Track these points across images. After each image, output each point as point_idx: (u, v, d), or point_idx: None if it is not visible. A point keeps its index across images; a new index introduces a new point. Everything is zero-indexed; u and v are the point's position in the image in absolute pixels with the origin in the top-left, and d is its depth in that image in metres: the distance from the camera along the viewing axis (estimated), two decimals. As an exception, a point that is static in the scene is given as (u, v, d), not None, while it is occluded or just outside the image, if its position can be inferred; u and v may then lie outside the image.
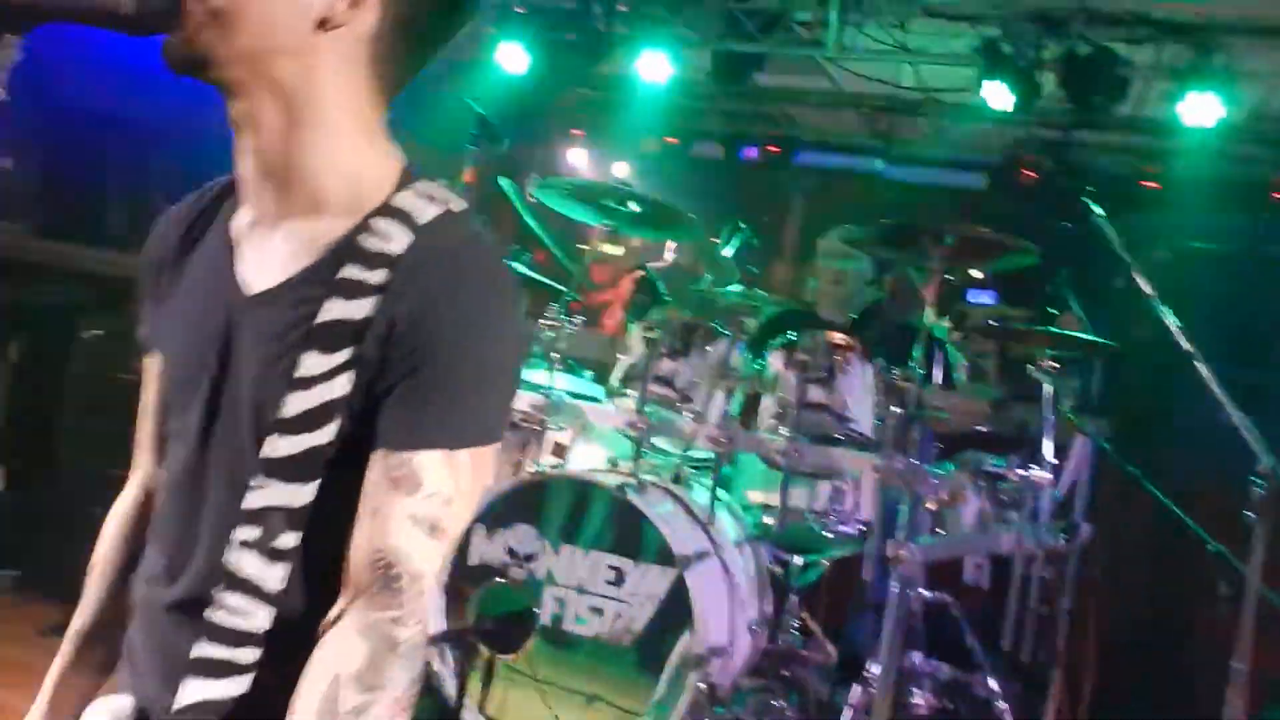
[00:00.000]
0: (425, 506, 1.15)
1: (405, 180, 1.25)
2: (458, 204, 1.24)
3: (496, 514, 3.34)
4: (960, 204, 7.17)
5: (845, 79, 6.38)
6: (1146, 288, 3.25)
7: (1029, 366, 3.69)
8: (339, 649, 1.13)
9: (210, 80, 1.22)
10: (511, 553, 3.32)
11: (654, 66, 5.55)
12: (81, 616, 1.47)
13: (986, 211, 6.83)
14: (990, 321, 5.25)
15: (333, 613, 1.16)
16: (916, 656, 3.43)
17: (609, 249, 6.03)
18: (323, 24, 1.19)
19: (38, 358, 4.82)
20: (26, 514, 4.51)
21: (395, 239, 1.19)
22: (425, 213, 1.21)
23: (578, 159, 8.16)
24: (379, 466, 1.16)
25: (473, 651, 3.25)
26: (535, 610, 3.26)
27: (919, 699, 3.40)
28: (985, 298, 7.62)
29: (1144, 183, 6.56)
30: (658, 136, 7.62)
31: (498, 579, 3.27)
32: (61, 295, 5.05)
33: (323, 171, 1.23)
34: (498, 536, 3.33)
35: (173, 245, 1.37)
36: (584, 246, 4.10)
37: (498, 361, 1.19)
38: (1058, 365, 3.60)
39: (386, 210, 1.21)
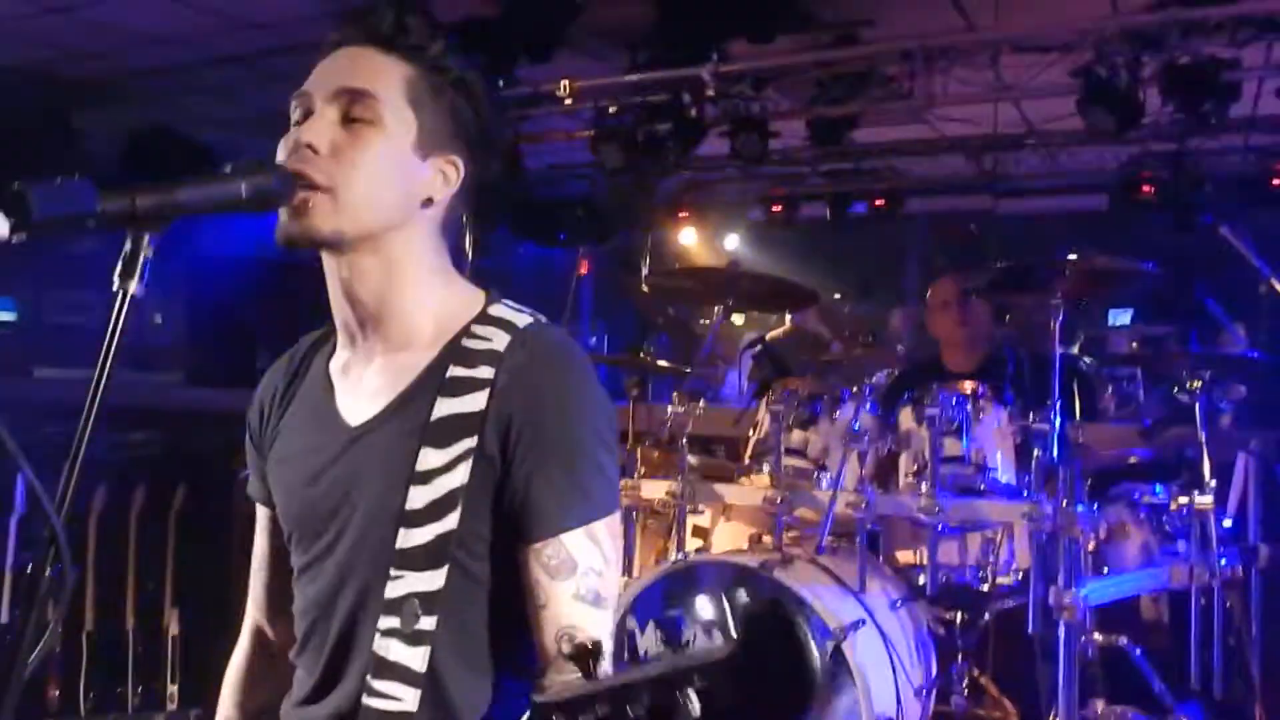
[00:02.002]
0: (585, 583, 1.30)
1: (491, 300, 1.42)
2: (541, 316, 1.42)
3: (647, 605, 3.34)
4: (1081, 229, 6.98)
5: (945, 124, 6.33)
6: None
7: (1175, 388, 3.55)
8: None
9: (316, 249, 1.34)
10: (667, 642, 3.31)
11: (749, 142, 5.61)
12: None
13: (1110, 233, 6.65)
14: (1133, 344, 5.07)
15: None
16: (1099, 705, 3.28)
17: (732, 320, 6.07)
18: (427, 202, 1.38)
19: (201, 501, 5.03)
20: (206, 654, 4.66)
21: (496, 339, 1.35)
22: (519, 319, 1.39)
23: (688, 239, 8.25)
24: (533, 561, 1.30)
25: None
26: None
27: (1109, 749, 3.24)
28: (1124, 317, 7.37)
29: (1275, 181, 6.31)
30: (763, 206, 7.67)
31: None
32: (217, 438, 5.29)
33: (414, 311, 1.39)
34: (650, 627, 3.33)
35: (275, 398, 1.51)
36: (706, 321, 4.11)
37: (603, 440, 1.35)
38: (1204, 382, 3.45)
39: (484, 318, 1.39)
